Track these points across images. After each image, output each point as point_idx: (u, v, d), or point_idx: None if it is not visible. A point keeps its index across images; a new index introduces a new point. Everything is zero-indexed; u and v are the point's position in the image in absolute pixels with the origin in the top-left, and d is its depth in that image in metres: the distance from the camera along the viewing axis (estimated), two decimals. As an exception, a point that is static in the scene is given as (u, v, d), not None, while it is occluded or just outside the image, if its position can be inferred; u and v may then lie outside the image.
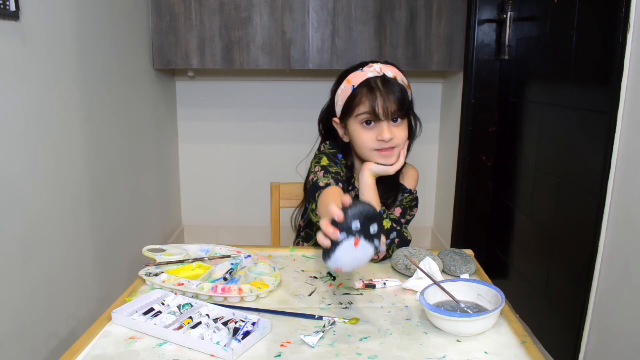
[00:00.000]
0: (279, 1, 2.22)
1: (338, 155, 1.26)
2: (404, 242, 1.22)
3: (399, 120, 1.18)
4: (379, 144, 1.17)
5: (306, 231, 1.39)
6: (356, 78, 1.18)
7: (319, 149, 1.31)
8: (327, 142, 1.29)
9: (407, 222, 1.29)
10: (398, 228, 1.22)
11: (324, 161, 1.23)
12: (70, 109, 1.53)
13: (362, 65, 1.20)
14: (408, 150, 1.25)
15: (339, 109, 1.23)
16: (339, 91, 1.22)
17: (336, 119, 1.25)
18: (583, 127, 1.42)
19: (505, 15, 1.94)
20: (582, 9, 1.44)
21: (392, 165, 1.19)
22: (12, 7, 1.21)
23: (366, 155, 1.21)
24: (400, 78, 1.19)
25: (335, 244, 0.77)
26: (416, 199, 1.30)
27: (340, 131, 1.26)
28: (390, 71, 1.18)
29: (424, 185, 2.80)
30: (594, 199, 1.32)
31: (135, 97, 2.09)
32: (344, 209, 0.77)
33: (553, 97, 1.61)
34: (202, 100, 2.72)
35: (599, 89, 1.35)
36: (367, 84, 1.16)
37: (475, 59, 2.08)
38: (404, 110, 1.17)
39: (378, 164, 1.19)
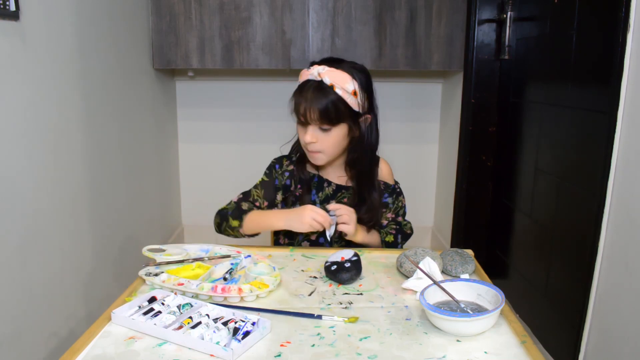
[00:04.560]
0: (279, 1, 2.22)
1: (276, 166, 1.36)
2: (405, 237, 1.37)
3: (328, 127, 1.21)
4: (305, 143, 1.25)
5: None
6: (302, 75, 1.23)
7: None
8: (281, 154, 1.40)
9: (404, 214, 1.39)
10: (398, 227, 1.37)
11: (259, 180, 1.37)
12: (70, 109, 1.53)
13: (319, 62, 1.23)
14: (367, 159, 1.30)
15: None
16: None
17: None
18: (583, 127, 1.42)
19: (505, 15, 1.94)
20: (582, 9, 1.44)
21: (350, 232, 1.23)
22: (12, 7, 1.21)
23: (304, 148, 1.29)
24: (341, 87, 1.18)
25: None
26: (399, 189, 1.39)
27: None
28: (329, 78, 1.17)
29: (424, 185, 2.81)
30: (594, 199, 1.32)
31: (135, 97, 2.09)
32: None
33: (553, 97, 1.61)
34: (202, 100, 2.72)
35: (599, 89, 1.35)
36: (302, 87, 1.21)
37: (475, 59, 2.08)
38: (329, 120, 1.20)
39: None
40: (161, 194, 2.49)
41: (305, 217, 1.15)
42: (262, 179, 1.36)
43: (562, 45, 1.54)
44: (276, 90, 2.69)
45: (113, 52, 1.85)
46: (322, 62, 1.23)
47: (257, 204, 1.32)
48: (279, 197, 1.34)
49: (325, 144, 1.23)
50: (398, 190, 1.38)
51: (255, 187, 1.35)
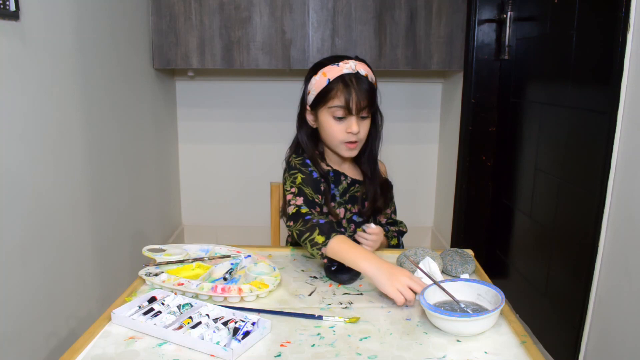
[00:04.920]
0: (279, 1, 2.22)
1: (307, 160, 1.29)
2: (403, 235, 1.41)
3: (367, 115, 1.27)
4: (347, 137, 1.26)
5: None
6: (332, 72, 1.23)
7: (287, 161, 1.32)
8: (294, 155, 1.32)
9: (395, 210, 1.45)
10: (397, 229, 1.41)
11: (299, 179, 1.25)
12: (70, 109, 1.53)
13: (337, 59, 1.26)
14: (374, 143, 1.34)
15: (311, 97, 1.28)
16: (313, 81, 1.27)
17: (307, 107, 1.31)
18: (583, 127, 1.42)
19: (505, 15, 1.94)
20: (582, 9, 1.44)
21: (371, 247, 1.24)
22: (12, 7, 1.21)
23: (333, 146, 1.29)
24: (371, 76, 1.26)
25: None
26: (392, 185, 1.44)
27: (309, 117, 1.32)
28: (363, 69, 1.24)
29: (424, 185, 2.81)
30: (594, 199, 1.32)
31: (135, 97, 2.09)
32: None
33: (553, 97, 1.61)
34: (202, 100, 2.72)
35: (599, 89, 1.35)
36: (343, 79, 1.23)
37: (475, 59, 2.08)
38: (371, 106, 1.26)
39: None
40: (161, 194, 2.49)
41: (399, 283, 0.96)
42: (300, 177, 1.25)
43: (562, 45, 1.54)
44: (276, 90, 2.69)
45: (113, 52, 1.85)
46: (333, 60, 1.26)
47: (317, 201, 1.24)
48: (322, 187, 1.29)
49: (363, 132, 1.28)
50: (392, 186, 1.45)
51: (303, 185, 1.23)
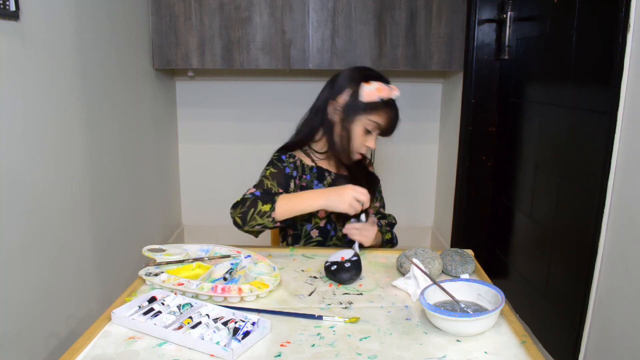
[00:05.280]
0: (279, 1, 2.22)
1: (282, 157, 1.35)
2: (393, 227, 1.44)
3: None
4: (362, 150, 1.31)
5: (294, 234, 1.40)
6: (385, 92, 1.27)
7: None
8: (277, 152, 1.38)
9: (384, 205, 1.48)
10: (387, 222, 1.44)
11: (267, 172, 1.32)
12: (70, 109, 1.53)
13: (383, 77, 1.29)
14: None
15: (354, 100, 1.26)
16: (366, 89, 1.26)
17: (338, 103, 1.29)
18: (583, 127, 1.42)
19: (505, 15, 1.94)
20: (582, 9, 1.44)
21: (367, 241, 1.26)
22: (12, 7, 1.21)
23: (341, 151, 1.31)
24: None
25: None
26: (377, 178, 1.49)
27: (333, 108, 1.30)
28: (397, 94, 1.29)
29: (424, 185, 2.81)
30: (594, 199, 1.32)
31: (135, 97, 2.09)
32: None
33: (553, 97, 1.61)
34: (202, 100, 2.72)
35: (599, 89, 1.35)
36: (389, 105, 1.28)
37: (475, 59, 2.08)
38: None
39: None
40: (161, 194, 2.49)
41: (346, 196, 1.15)
42: (270, 170, 1.32)
43: (562, 45, 1.54)
44: (276, 90, 2.69)
45: (113, 52, 1.85)
46: (381, 77, 1.29)
47: (274, 191, 1.28)
48: (292, 185, 1.33)
49: None
50: (378, 180, 1.48)
51: (266, 178, 1.30)
